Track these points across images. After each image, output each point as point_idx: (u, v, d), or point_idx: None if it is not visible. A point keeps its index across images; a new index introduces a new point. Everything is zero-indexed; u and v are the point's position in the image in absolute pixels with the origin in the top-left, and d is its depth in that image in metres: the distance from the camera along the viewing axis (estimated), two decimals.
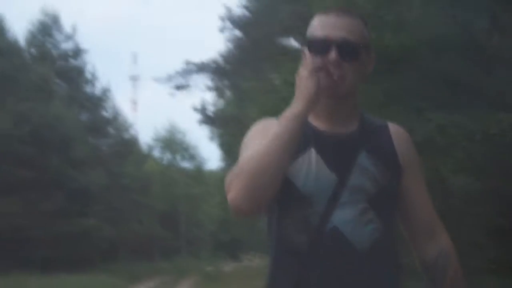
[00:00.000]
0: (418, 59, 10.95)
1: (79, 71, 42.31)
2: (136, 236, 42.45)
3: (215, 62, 28.93)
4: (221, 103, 36.91)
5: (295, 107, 2.30)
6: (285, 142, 2.23)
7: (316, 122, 2.44)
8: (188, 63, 30.16)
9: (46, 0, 69.91)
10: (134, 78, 78.69)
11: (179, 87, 31.06)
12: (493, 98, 10.39)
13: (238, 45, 27.36)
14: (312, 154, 2.36)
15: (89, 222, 34.54)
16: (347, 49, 2.34)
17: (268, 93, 15.98)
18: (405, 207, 2.46)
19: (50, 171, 33.41)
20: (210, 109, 34.96)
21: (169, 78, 30.68)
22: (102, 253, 37.36)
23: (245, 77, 25.10)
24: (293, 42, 25.67)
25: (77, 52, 42.05)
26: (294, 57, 19.78)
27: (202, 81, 30.40)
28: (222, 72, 29.29)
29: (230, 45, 28.79)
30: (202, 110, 34.40)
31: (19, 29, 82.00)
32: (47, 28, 40.95)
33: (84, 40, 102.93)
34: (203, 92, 53.54)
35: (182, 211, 57.52)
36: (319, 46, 2.36)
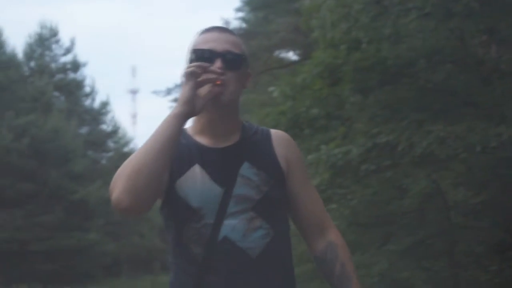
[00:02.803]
0: (416, 72, 10.89)
1: (78, 84, 42.24)
2: (137, 249, 42.34)
3: None
4: None
5: (174, 109, 2.40)
6: (161, 142, 2.33)
7: (201, 138, 2.58)
8: None
9: (45, 13, 70.03)
10: (133, 91, 78.52)
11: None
12: (492, 110, 10.32)
13: None
14: (197, 170, 2.49)
15: (89, 236, 34.41)
16: (230, 59, 2.50)
17: (266, 105, 15.94)
18: (295, 208, 2.60)
19: (50, 184, 33.33)
20: None
21: (168, 91, 30.68)
22: (103, 267, 37.25)
23: (243, 90, 25.08)
24: (290, 55, 25.68)
25: (76, 65, 41.96)
26: (292, 69, 19.75)
27: None
28: None
29: None
30: None
31: (18, 42, 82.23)
32: (45, 41, 40.92)
33: (83, 53, 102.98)
34: None
35: None
36: (204, 57, 2.48)
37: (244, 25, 28.06)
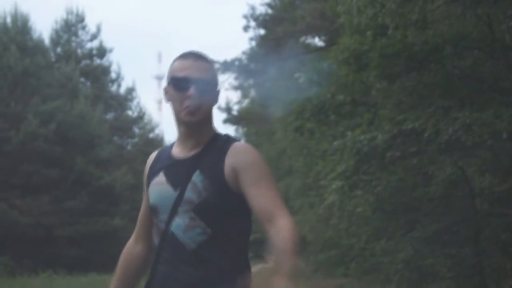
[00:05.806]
0: (443, 58, 10.83)
1: (104, 70, 42.42)
2: None
3: (239, 61, 28.89)
4: (246, 102, 36.94)
5: None
6: None
7: (176, 148, 3.12)
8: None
9: None
10: (159, 78, 78.73)
11: None
12: None
13: (262, 43, 27.33)
14: (162, 175, 3.06)
15: (114, 221, 34.61)
16: (202, 86, 2.97)
17: (292, 91, 15.93)
18: (248, 203, 2.95)
19: (76, 170, 33.54)
20: (235, 108, 34.96)
21: None
22: None
23: (269, 76, 25.08)
24: (316, 41, 25.62)
25: (102, 51, 42.15)
26: (318, 55, 19.71)
27: (227, 80, 30.41)
28: (246, 71, 29.28)
29: (254, 44, 28.78)
30: (227, 109, 34.45)
31: (44, 28, 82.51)
32: (72, 27, 41.12)
33: (109, 39, 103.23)
34: (227, 91, 53.52)
35: None
36: (180, 84, 3.00)
37: (270, 10, 28.03)
